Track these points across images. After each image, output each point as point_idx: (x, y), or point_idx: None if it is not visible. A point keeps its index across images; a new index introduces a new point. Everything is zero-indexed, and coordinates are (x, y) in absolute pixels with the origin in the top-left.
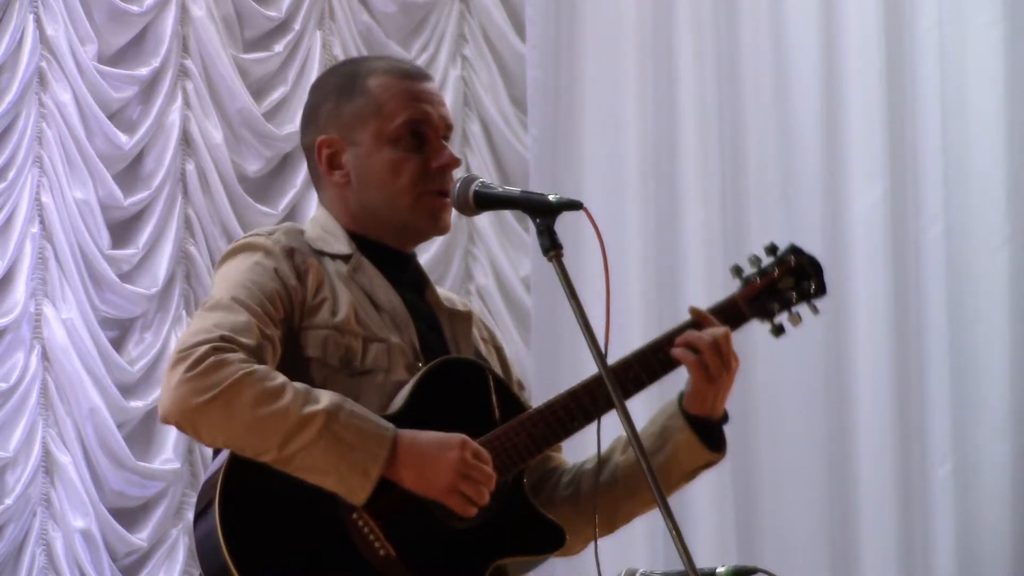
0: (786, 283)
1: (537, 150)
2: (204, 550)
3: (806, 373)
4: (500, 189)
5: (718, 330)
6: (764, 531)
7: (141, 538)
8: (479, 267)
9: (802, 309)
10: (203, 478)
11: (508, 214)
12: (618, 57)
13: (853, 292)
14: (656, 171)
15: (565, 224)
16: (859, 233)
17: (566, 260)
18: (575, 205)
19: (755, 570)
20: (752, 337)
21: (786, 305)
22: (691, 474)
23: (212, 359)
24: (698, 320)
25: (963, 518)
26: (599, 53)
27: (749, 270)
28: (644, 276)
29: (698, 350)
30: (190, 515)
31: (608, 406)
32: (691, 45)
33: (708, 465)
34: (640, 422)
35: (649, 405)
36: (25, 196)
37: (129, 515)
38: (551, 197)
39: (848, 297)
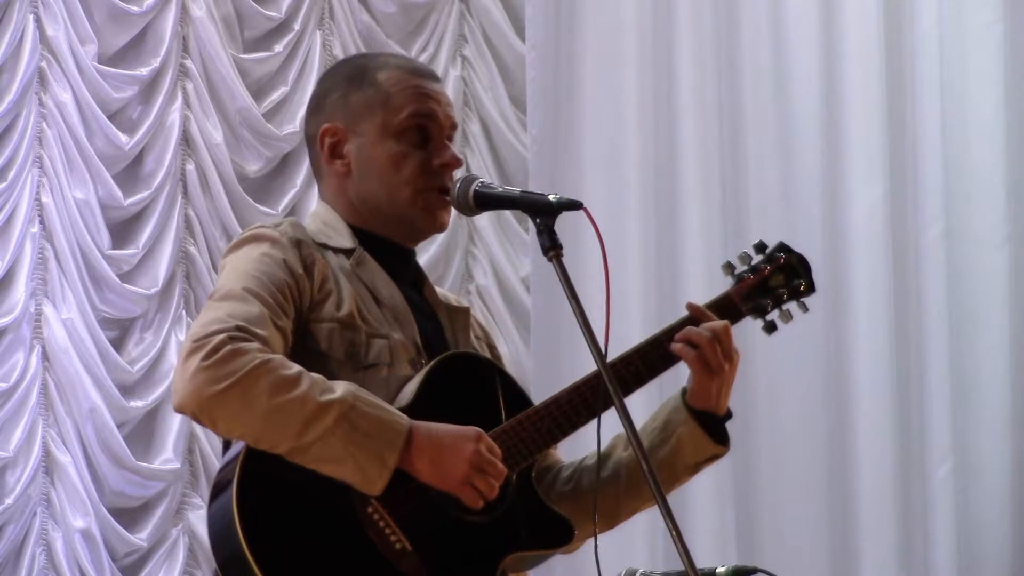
0: (776, 280)
1: (537, 150)
2: (218, 540)
3: (806, 373)
4: (500, 189)
5: (717, 324)
6: (764, 531)
7: (141, 538)
8: (479, 267)
9: (792, 307)
10: (216, 470)
11: (508, 214)
12: (618, 57)
13: (853, 292)
14: (656, 171)
15: (565, 224)
16: (859, 233)
17: (566, 260)
18: (575, 205)
19: (755, 570)
20: (751, 337)
21: (777, 302)
22: (695, 468)
23: (228, 348)
24: (695, 316)
25: (963, 518)
26: (599, 53)
27: (740, 267)
28: (644, 276)
29: (697, 345)
30: (190, 515)
31: (612, 401)
32: (691, 45)
33: (713, 458)
34: (641, 419)
35: (650, 401)
36: (25, 196)
37: (129, 515)
38: (551, 197)
39: (848, 297)
